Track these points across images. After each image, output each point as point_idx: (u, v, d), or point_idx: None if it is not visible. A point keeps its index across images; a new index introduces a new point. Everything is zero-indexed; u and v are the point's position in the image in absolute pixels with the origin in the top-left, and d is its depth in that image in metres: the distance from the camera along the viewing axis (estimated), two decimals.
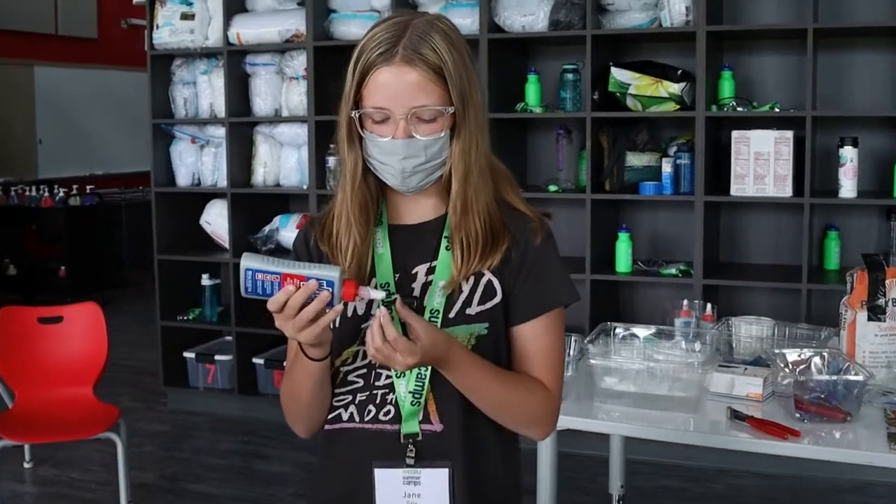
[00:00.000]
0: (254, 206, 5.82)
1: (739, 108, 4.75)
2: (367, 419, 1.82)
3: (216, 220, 5.85)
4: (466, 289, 1.79)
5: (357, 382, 1.83)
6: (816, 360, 2.86)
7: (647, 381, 2.77)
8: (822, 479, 4.58)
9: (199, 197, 5.96)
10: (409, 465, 1.79)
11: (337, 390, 1.85)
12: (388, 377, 1.80)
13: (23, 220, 9.45)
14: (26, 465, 4.95)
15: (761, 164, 4.63)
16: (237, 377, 5.79)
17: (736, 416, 2.68)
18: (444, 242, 1.81)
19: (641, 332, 3.05)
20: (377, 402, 1.81)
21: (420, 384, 1.78)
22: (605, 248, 5.00)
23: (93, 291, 9.06)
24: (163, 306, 5.94)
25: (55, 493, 4.71)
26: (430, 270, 1.81)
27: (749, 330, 3.26)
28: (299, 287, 1.62)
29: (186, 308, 5.98)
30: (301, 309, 1.62)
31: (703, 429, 2.72)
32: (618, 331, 3.01)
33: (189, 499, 4.64)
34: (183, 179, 5.91)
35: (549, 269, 1.83)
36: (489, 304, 1.80)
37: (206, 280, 5.91)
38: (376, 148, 1.75)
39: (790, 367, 2.84)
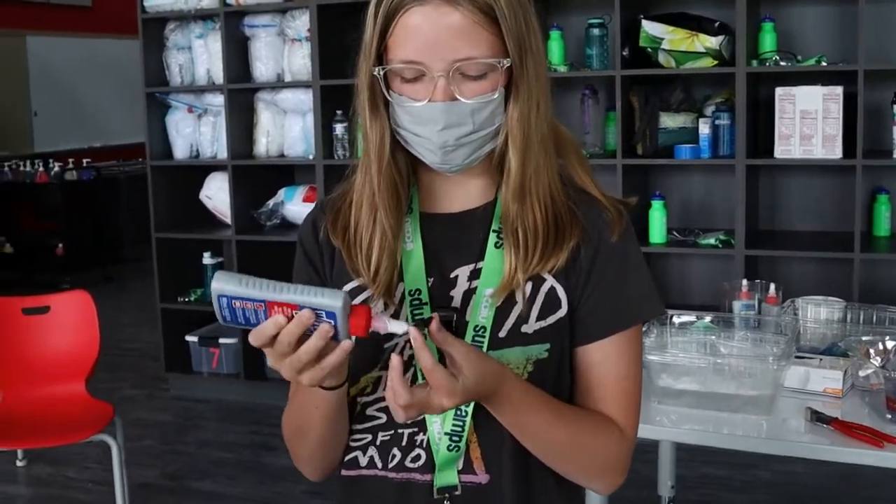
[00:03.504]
0: (256, 179, 5.48)
1: (783, 63, 4.37)
2: (391, 465, 1.42)
3: (217, 194, 5.50)
4: (522, 299, 1.38)
5: (378, 418, 1.44)
6: None
7: (712, 379, 2.40)
8: None
9: (199, 170, 5.61)
10: None
11: (354, 427, 1.46)
12: None
13: (18, 196, 9.08)
14: (19, 464, 4.62)
15: (808, 123, 4.25)
16: (243, 361, 5.45)
17: (818, 418, 2.31)
18: (492, 237, 1.41)
19: (699, 319, 2.67)
20: (403, 444, 1.42)
21: (460, 423, 1.38)
22: (638, 217, 4.62)
23: (93, 269, 8.85)
24: (163, 287, 5.61)
25: (49, 494, 4.38)
26: (475, 274, 1.41)
27: (817, 313, 2.89)
28: (291, 318, 1.21)
29: (188, 288, 5.64)
30: (298, 345, 1.22)
31: (779, 435, 2.34)
32: (674, 319, 2.63)
33: (194, 499, 4.30)
34: (180, 151, 5.56)
35: (629, 274, 1.43)
36: (551, 319, 1.39)
37: (207, 258, 5.56)
38: (407, 115, 1.34)
39: (872, 356, 2.48)
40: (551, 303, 1.40)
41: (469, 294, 1.40)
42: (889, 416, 2.31)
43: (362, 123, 1.40)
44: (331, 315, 1.21)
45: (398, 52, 1.32)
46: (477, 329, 1.38)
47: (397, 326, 1.25)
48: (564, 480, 1.44)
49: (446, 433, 1.38)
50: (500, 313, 1.38)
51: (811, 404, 2.39)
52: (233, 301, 1.22)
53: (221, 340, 5.53)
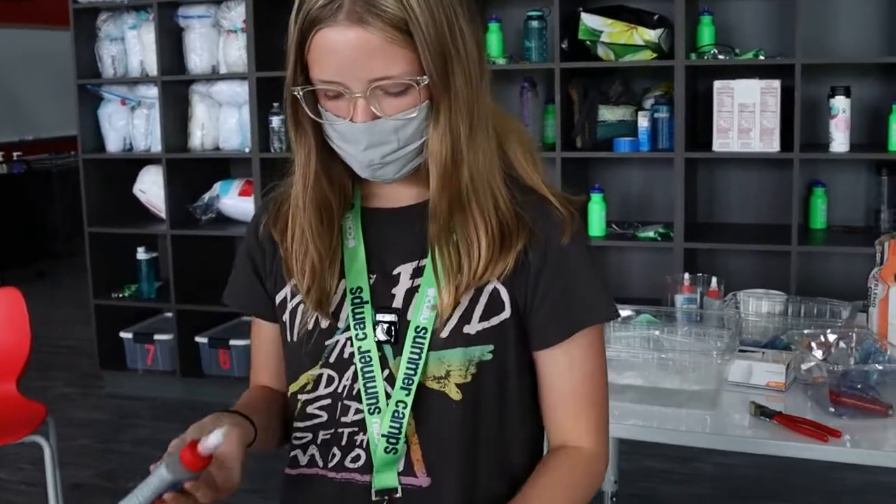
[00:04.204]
0: (191, 173, 5.37)
1: (721, 56, 4.38)
2: (331, 465, 1.40)
3: (151, 188, 5.39)
4: (465, 299, 1.35)
5: (319, 416, 1.41)
6: (843, 342, 2.50)
7: (656, 374, 2.39)
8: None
9: (132, 163, 5.49)
10: None
11: (295, 424, 1.43)
12: (358, 411, 1.38)
13: None
14: None
15: (746, 116, 4.27)
16: (179, 358, 5.35)
17: (762, 412, 2.30)
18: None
19: (642, 313, 2.66)
20: (343, 443, 1.39)
21: (397, 425, 1.34)
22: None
23: (26, 265, 8.66)
24: (96, 283, 5.48)
25: None
26: (418, 272, 1.37)
27: (759, 306, 2.88)
28: None
29: (122, 284, 5.53)
30: None
31: (723, 429, 2.32)
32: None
33: None
34: (113, 145, 5.44)
35: (581, 276, 1.39)
36: (495, 321, 1.36)
37: (141, 254, 5.45)
38: (334, 132, 1.31)
39: (814, 350, 2.48)
40: (494, 304, 1.37)
41: (411, 293, 1.37)
42: (832, 410, 2.30)
43: (290, 139, 1.37)
44: (177, 481, 1.23)
45: (316, 72, 1.28)
46: (418, 330, 1.34)
47: (213, 438, 1.22)
48: (514, 489, 1.40)
49: (383, 435, 1.35)
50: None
51: (755, 398, 2.38)
52: None
53: (156, 337, 5.43)
